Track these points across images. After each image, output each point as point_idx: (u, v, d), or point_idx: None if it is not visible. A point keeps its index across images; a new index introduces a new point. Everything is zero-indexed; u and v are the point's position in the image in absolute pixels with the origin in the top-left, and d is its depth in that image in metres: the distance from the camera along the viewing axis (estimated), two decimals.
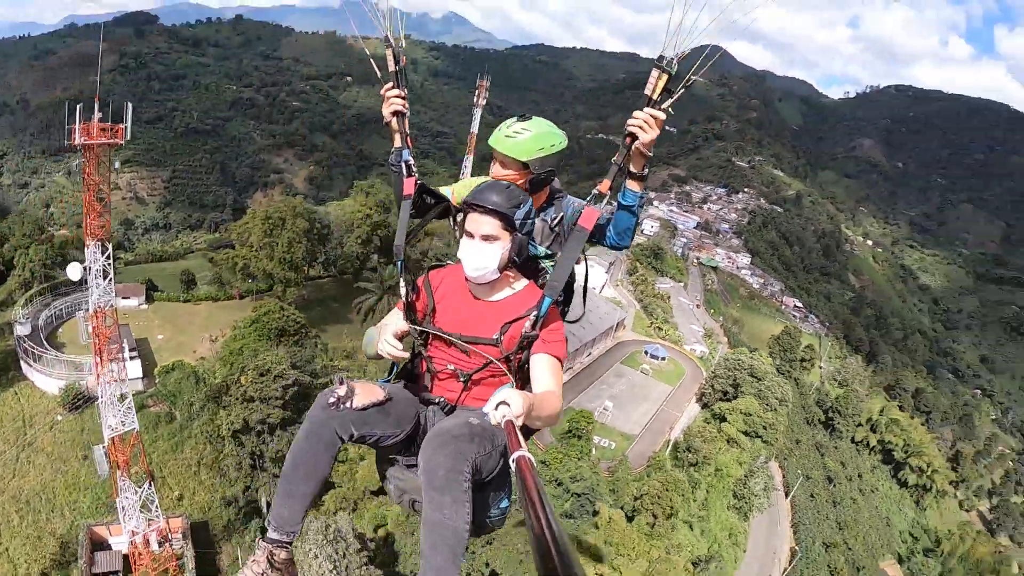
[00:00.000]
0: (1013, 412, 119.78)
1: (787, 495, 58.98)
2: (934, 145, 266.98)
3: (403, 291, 3.03)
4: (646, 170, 2.99)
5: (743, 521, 53.80)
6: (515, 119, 3.16)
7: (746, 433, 57.53)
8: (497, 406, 2.18)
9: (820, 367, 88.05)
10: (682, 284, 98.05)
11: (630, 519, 43.97)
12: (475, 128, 66.87)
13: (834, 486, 66.38)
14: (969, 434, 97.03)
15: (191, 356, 47.72)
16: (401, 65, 3.19)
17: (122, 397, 30.40)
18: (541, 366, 2.81)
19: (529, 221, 2.93)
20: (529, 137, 3.08)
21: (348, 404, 2.66)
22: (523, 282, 3.05)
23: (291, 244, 55.62)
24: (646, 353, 68.44)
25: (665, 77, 2.81)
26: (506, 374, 2.91)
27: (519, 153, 3.09)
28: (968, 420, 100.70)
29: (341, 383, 2.69)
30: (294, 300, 56.92)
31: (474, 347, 2.92)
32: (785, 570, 51.49)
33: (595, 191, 3.08)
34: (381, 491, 36.31)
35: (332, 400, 2.68)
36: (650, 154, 2.95)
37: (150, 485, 32.16)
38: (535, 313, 2.83)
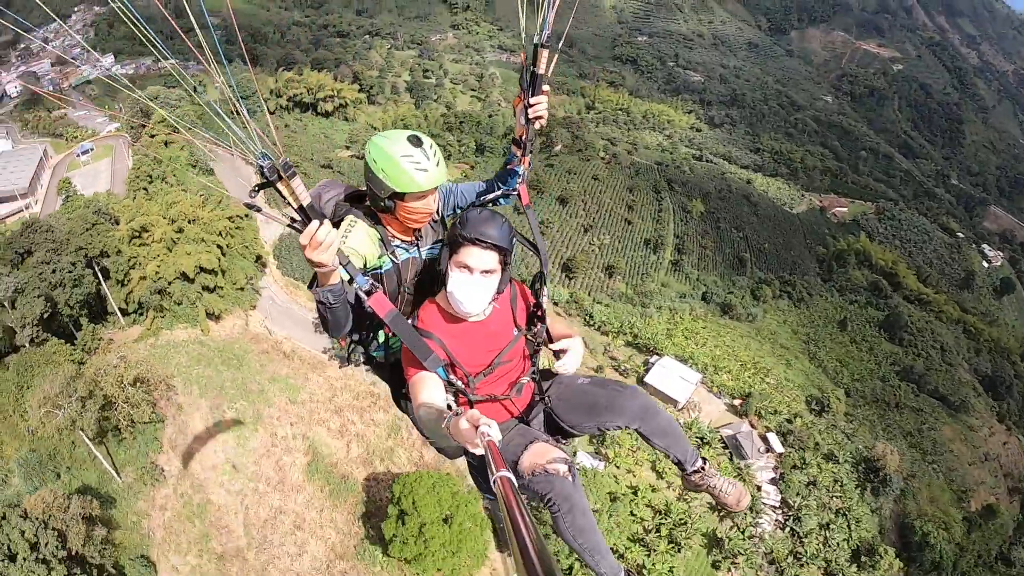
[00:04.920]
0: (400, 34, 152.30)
1: None
2: None
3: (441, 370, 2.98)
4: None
5: None
6: (410, 143, 2.92)
7: None
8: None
9: None
10: None
11: None
12: None
13: None
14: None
15: None
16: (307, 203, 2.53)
17: None
18: (557, 323, 3.48)
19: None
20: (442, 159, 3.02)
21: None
22: None
23: None
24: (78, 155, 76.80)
25: (546, 53, 3.06)
26: (529, 356, 3.41)
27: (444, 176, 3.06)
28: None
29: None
30: None
31: (510, 352, 3.21)
32: None
33: (521, 169, 3.41)
34: None
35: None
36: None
37: None
38: (537, 289, 3.36)
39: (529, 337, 3.34)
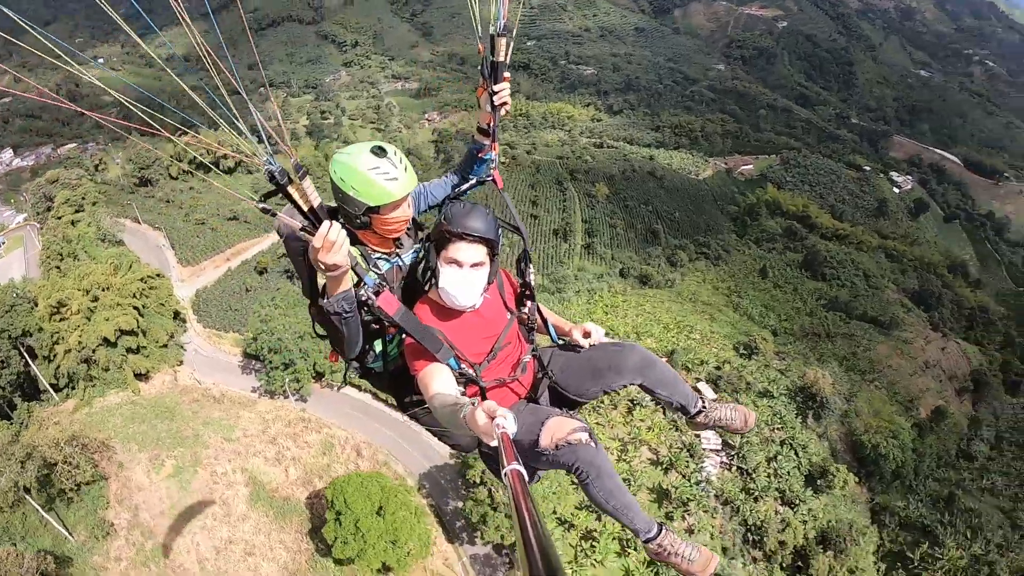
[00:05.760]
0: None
1: None
2: None
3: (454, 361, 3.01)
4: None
5: None
6: (375, 155, 2.88)
7: None
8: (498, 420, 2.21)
9: None
10: None
11: None
12: None
13: None
14: None
15: None
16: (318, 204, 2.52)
17: None
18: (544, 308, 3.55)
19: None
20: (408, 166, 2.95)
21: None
22: None
23: None
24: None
25: (504, 41, 3.20)
26: (525, 336, 3.47)
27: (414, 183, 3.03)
28: None
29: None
30: None
31: (507, 335, 3.25)
32: None
33: (492, 155, 3.54)
34: None
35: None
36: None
37: None
38: (523, 269, 3.44)
39: (522, 318, 3.42)
